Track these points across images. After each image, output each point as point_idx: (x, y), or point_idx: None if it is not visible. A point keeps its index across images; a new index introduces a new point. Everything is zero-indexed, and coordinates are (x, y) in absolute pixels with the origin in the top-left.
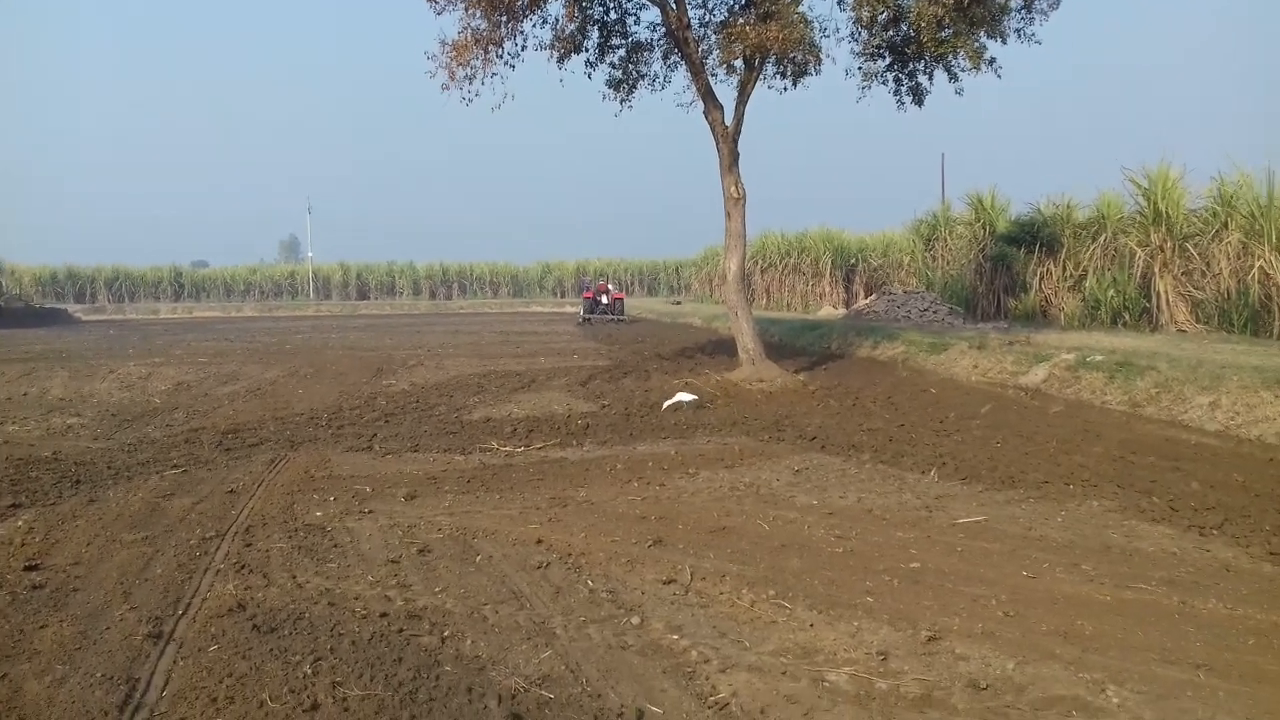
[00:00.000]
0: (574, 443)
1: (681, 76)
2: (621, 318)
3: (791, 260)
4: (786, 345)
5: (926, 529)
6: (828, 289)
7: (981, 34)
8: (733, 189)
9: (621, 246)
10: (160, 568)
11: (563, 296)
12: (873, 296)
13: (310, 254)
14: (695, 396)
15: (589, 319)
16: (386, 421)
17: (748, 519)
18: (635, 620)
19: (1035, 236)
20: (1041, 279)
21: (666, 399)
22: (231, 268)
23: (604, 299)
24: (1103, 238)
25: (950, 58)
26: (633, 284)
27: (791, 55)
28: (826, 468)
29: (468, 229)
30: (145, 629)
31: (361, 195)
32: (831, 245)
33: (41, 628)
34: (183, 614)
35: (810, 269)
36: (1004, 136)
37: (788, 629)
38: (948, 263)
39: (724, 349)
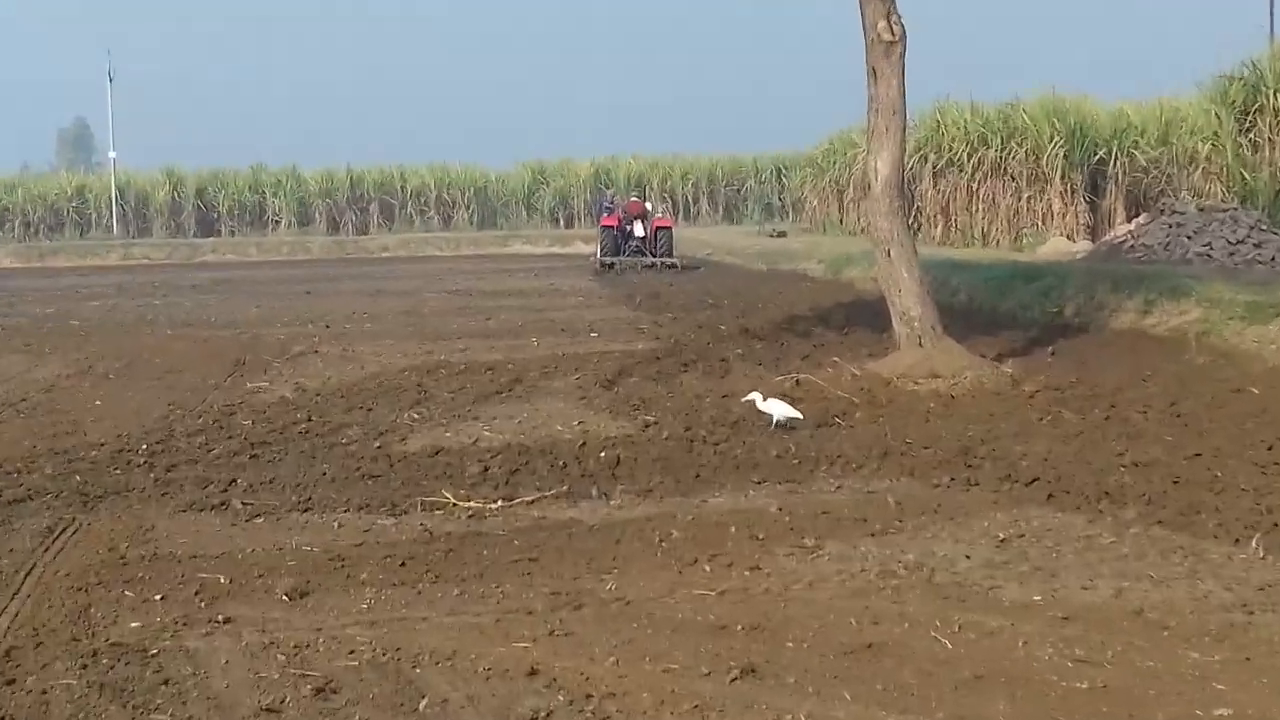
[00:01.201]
0: (593, 492)
1: None
2: (670, 260)
3: (989, 155)
4: (981, 309)
5: (1245, 646)
6: (1056, 205)
7: None
8: (883, 25)
9: (677, 136)
10: None
11: (570, 226)
12: (1140, 219)
13: (114, 155)
14: (794, 413)
15: (611, 263)
16: (254, 457)
17: (912, 630)
18: None
19: None
20: None
21: (765, 411)
22: None
23: (637, 227)
24: None
25: None
26: (699, 202)
27: None
28: (1057, 534)
29: (395, 111)
30: None
31: (200, 52)
32: (1063, 124)
33: None
34: None
35: (1024, 169)
36: None
37: None
38: None
39: (866, 317)
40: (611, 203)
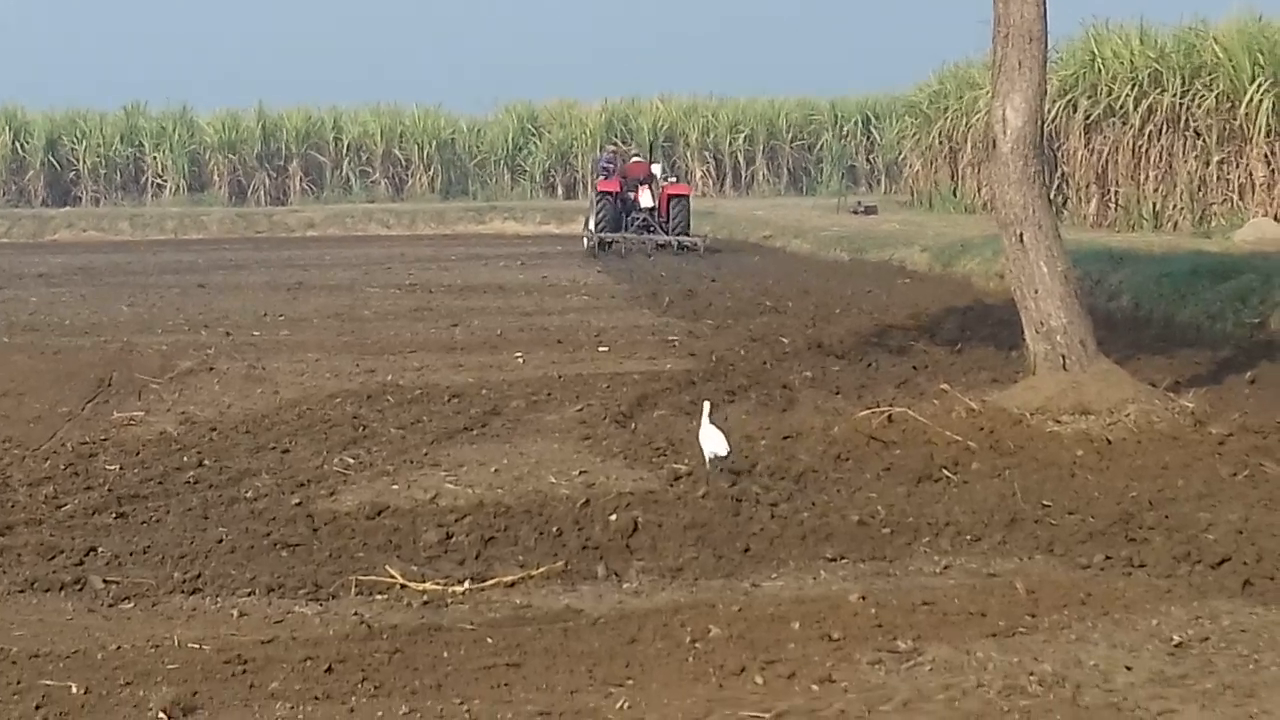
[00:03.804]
0: (600, 571)
1: None
2: (688, 239)
3: (1164, 102)
4: (1151, 319)
5: None
6: (1259, 173)
7: None
8: None
9: (723, 71)
10: None
11: (572, 195)
12: None
13: None
14: (722, 449)
15: (610, 241)
16: (121, 516)
17: None
18: None
19: None
20: None
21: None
22: None
23: (644, 195)
24: None
25: None
26: (754, 164)
27: None
28: (1256, 637)
29: (326, 33)
30: None
31: None
32: (1270, 60)
33: None
34: None
35: (1214, 122)
36: None
37: None
38: None
39: (988, 328)
40: (611, 162)
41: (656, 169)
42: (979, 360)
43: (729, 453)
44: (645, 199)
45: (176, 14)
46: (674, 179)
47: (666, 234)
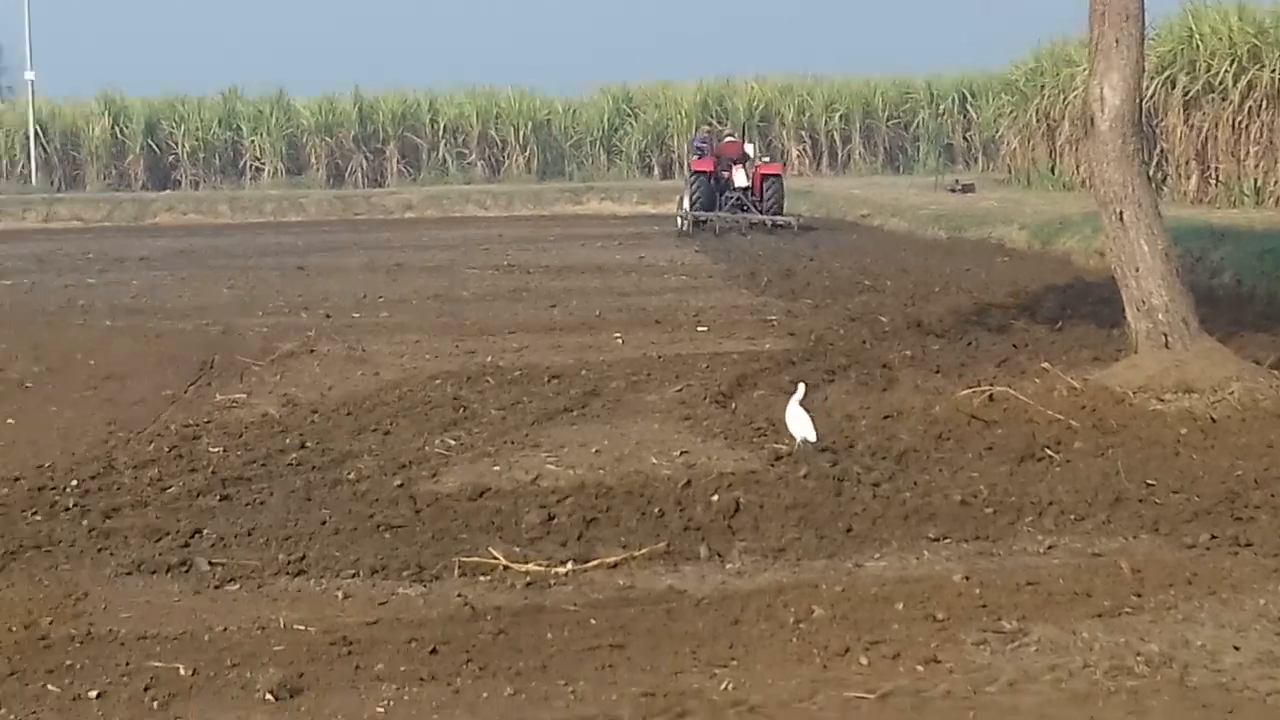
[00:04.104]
0: (702, 552)
1: None
2: (783, 218)
3: (1264, 78)
4: (1255, 296)
5: None
6: None
7: None
8: None
9: (818, 49)
10: None
11: (668, 175)
12: None
13: (31, 75)
14: (809, 433)
15: (704, 220)
16: (225, 499)
17: None
18: None
19: None
20: None
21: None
22: None
23: (738, 175)
24: None
25: None
26: (850, 142)
27: None
28: None
29: (421, 18)
30: None
31: None
32: None
33: None
34: None
35: None
36: None
37: None
38: None
39: (1088, 306)
40: (705, 142)
41: (750, 148)
42: (1080, 338)
43: (816, 439)
44: (739, 178)
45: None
46: (768, 158)
47: (760, 213)
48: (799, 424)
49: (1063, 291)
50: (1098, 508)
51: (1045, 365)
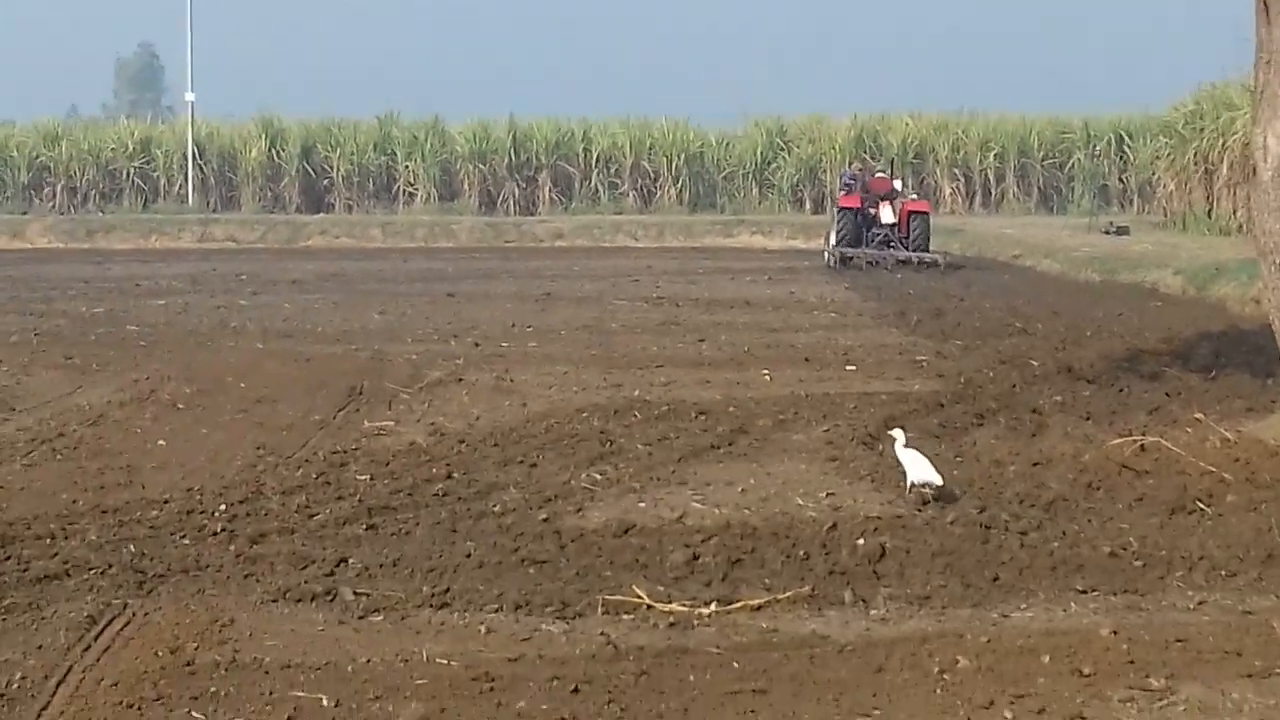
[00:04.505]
0: (847, 597)
1: None
2: (929, 255)
3: None
4: None
5: None
6: None
7: None
8: None
9: (971, 86)
10: None
11: (819, 210)
12: None
13: (191, 97)
14: (934, 477)
15: (850, 256)
16: (371, 528)
17: None
18: None
19: None
20: None
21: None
22: None
23: (885, 211)
24: None
25: None
26: (1004, 181)
27: None
28: None
29: (574, 47)
30: None
31: None
32: None
33: None
34: None
35: None
36: None
37: None
38: None
39: (1244, 354)
40: (854, 178)
41: (898, 184)
42: (1234, 388)
43: (942, 481)
44: (886, 215)
45: (430, 27)
46: (915, 195)
47: (907, 249)
48: (919, 468)
49: (1217, 339)
50: (1249, 564)
51: (1198, 415)
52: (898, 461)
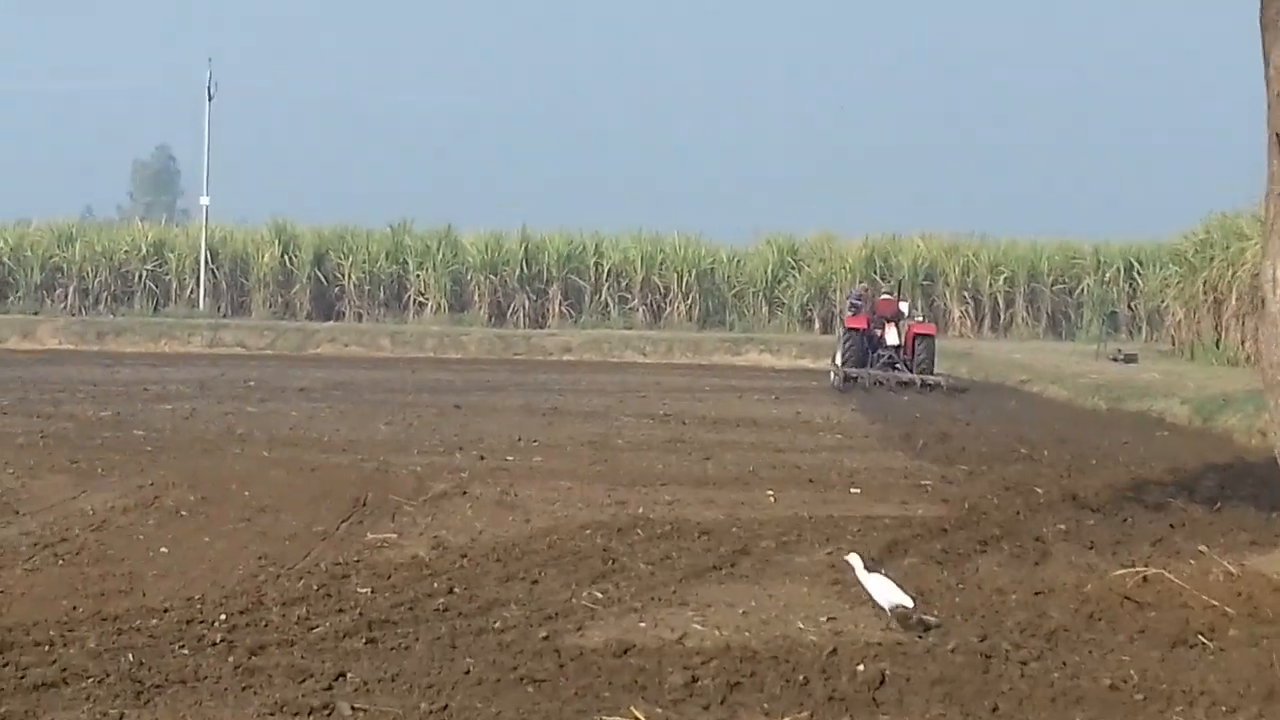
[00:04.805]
0: None
1: None
2: (933, 378)
3: None
4: None
5: None
6: None
7: None
8: None
9: (983, 210)
10: None
11: (828, 329)
12: None
13: (206, 201)
14: (904, 599)
15: (855, 376)
16: (371, 642)
17: None
18: None
19: None
20: None
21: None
22: (7, 227)
23: (890, 333)
24: None
25: None
26: (1013, 305)
27: None
28: None
29: (589, 157)
30: None
31: (324, 64)
32: None
33: None
34: None
35: None
36: None
37: None
38: None
39: (1249, 487)
40: (861, 298)
41: (904, 306)
42: (1238, 521)
43: (913, 604)
44: (891, 336)
45: (443, 137)
46: (920, 317)
47: (911, 371)
48: (885, 593)
49: (1222, 471)
50: (1250, 700)
51: (1202, 548)
52: (861, 587)
